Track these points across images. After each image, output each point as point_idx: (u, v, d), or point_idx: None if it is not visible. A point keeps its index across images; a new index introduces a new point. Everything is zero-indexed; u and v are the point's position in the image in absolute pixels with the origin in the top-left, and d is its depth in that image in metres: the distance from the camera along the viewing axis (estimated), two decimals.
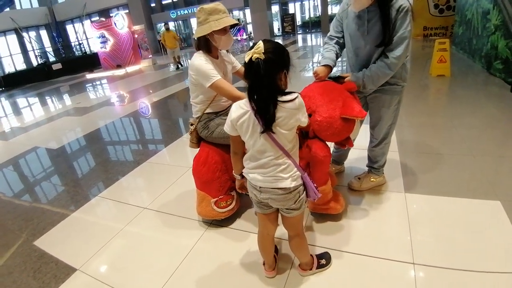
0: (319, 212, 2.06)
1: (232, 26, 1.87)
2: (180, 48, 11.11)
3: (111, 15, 14.19)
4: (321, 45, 12.73)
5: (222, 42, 1.86)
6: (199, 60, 1.83)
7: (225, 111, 2.08)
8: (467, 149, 2.80)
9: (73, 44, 23.73)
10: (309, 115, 1.81)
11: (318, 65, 1.99)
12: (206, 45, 1.88)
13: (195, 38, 1.89)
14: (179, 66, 10.92)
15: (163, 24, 23.00)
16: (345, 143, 1.87)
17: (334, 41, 2.05)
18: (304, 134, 1.95)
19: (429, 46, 8.40)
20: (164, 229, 2.24)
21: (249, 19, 21.12)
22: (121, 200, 2.70)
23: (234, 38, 25.11)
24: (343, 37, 2.03)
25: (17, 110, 8.41)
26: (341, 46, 2.06)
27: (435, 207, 2.09)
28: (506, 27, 4.64)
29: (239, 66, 2.17)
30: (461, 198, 2.14)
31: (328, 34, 2.10)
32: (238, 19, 21.43)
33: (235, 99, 1.83)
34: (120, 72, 12.89)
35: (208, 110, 2.01)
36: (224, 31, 1.83)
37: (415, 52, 8.53)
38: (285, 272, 1.71)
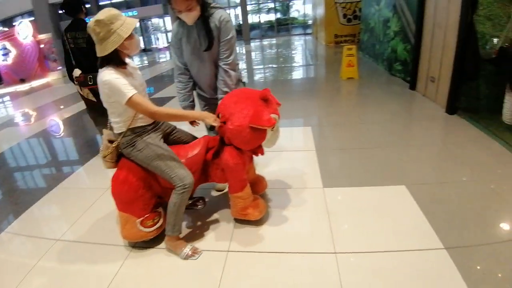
0: (240, 218, 2.07)
1: None
2: None
3: (14, 24, 12.59)
4: (244, 53, 13.05)
5: (133, 45, 1.72)
6: (108, 75, 1.64)
7: (153, 126, 1.90)
8: (375, 142, 3.12)
9: None
10: (224, 123, 1.83)
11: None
12: (118, 58, 1.69)
13: (100, 57, 1.68)
14: None
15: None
16: (257, 151, 1.92)
17: (182, 71, 2.17)
18: (222, 141, 1.96)
19: (340, 52, 9.15)
20: (81, 259, 2.00)
21: (169, 27, 20.74)
22: (29, 233, 2.35)
23: (153, 46, 23.76)
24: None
25: None
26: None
27: (350, 197, 2.28)
28: (404, 33, 5.31)
29: None
30: (372, 187, 2.37)
31: (176, 64, 2.19)
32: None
33: (153, 116, 1.71)
34: (24, 87, 11.43)
35: (132, 125, 1.80)
36: (131, 34, 1.67)
37: (328, 58, 9.30)
38: None
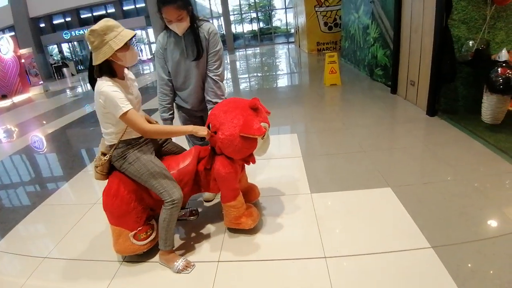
0: (234, 227, 2.06)
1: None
2: None
3: None
4: (228, 62, 13.12)
5: (128, 58, 1.71)
6: (106, 86, 1.63)
7: (145, 138, 1.88)
8: (359, 146, 3.18)
9: None
10: (214, 133, 1.84)
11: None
12: (109, 69, 1.69)
13: (95, 66, 1.67)
14: None
15: (55, 46, 21.13)
16: (248, 160, 1.94)
17: (165, 82, 2.17)
18: (213, 151, 1.96)
19: (323, 59, 9.32)
20: (70, 277, 1.96)
21: (152, 39, 20.73)
22: (16, 252, 2.29)
23: (138, 58, 23.83)
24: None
25: None
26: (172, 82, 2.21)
27: (337, 202, 2.31)
28: (383, 38, 5.46)
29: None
30: (358, 190, 2.41)
31: (159, 75, 2.18)
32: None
33: (144, 134, 1.72)
34: (5, 103, 11.17)
35: (124, 137, 1.79)
36: (126, 46, 1.67)
37: (311, 65, 9.45)
38: None
